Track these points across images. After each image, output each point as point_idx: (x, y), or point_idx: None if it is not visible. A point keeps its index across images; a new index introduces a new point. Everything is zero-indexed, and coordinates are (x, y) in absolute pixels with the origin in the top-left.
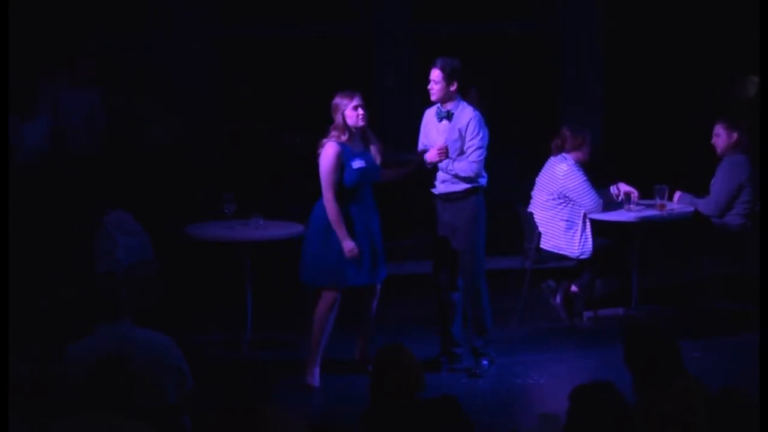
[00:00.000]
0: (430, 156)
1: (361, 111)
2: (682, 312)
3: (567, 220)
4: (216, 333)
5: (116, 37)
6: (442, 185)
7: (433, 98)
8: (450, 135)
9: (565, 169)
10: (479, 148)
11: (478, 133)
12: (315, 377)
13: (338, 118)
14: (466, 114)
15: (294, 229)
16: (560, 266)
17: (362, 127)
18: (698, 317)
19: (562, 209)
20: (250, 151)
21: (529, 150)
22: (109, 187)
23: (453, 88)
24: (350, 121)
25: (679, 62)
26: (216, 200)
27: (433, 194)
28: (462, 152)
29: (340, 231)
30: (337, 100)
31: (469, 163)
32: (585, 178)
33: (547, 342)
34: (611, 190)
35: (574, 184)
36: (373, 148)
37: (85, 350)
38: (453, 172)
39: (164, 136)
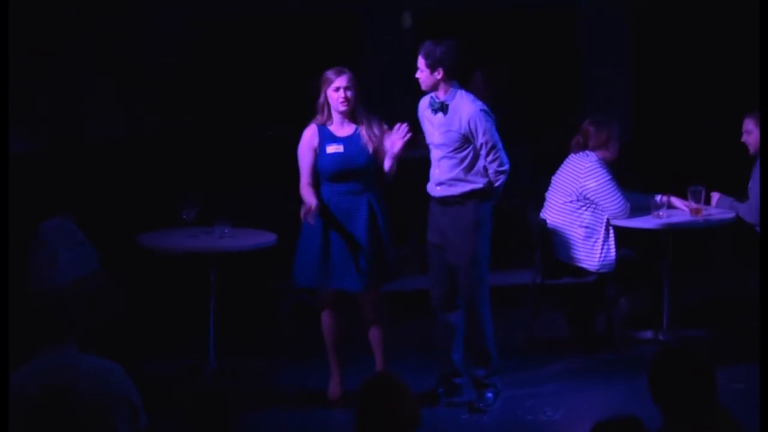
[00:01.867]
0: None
1: (342, 93)
2: (721, 335)
3: (587, 227)
4: (174, 359)
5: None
6: (438, 188)
7: (422, 87)
8: (447, 130)
9: (588, 165)
10: (493, 146)
11: (485, 131)
12: (331, 389)
13: (321, 96)
14: (464, 109)
15: (266, 238)
16: (577, 282)
17: (344, 112)
18: (740, 341)
19: (582, 213)
20: (216, 146)
21: (545, 146)
22: (49, 189)
23: (439, 75)
24: (332, 103)
25: (717, 45)
26: (175, 203)
27: (430, 197)
28: (459, 148)
29: (306, 196)
30: (322, 77)
31: (494, 169)
32: (610, 177)
33: (562, 371)
34: (657, 199)
35: (596, 183)
36: (365, 133)
37: (23, 382)
38: (496, 186)
39: (117, 128)
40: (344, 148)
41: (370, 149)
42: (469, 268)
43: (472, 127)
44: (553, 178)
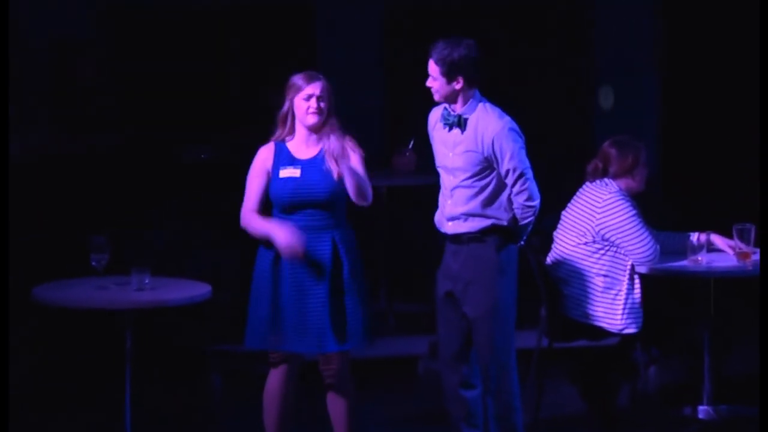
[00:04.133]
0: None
1: (314, 103)
2: None
3: (606, 275)
4: None
5: None
6: (450, 223)
7: (435, 98)
8: (464, 150)
9: (607, 197)
10: (521, 174)
11: (512, 154)
12: None
13: (284, 105)
14: (488, 125)
15: (197, 289)
16: (594, 345)
17: (314, 126)
18: None
19: (600, 258)
20: (135, 172)
21: (553, 172)
22: None
23: (458, 85)
24: (298, 115)
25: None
26: (81, 245)
27: (439, 233)
28: (479, 175)
29: (260, 228)
30: (289, 82)
31: (521, 203)
32: (635, 212)
33: None
34: (692, 239)
35: (619, 220)
36: (331, 154)
37: None
38: (523, 224)
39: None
40: (301, 173)
41: (335, 175)
42: (491, 323)
43: (497, 148)
44: (563, 213)
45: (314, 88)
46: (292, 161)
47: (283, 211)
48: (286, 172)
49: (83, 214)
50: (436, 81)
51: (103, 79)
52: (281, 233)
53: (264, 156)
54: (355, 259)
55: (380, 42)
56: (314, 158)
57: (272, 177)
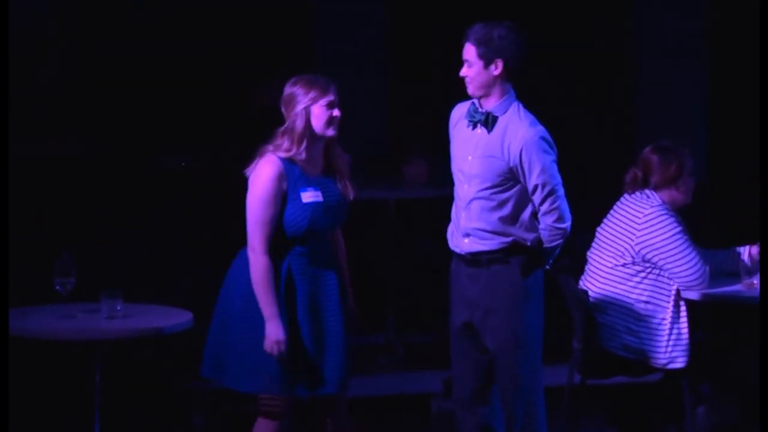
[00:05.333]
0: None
1: (338, 113)
2: None
3: (648, 302)
4: None
5: None
6: (465, 240)
7: (469, 91)
8: (487, 155)
9: (649, 212)
10: (551, 191)
11: (543, 168)
12: None
13: (296, 119)
14: (517, 130)
15: (176, 317)
16: (634, 382)
17: (330, 138)
18: None
19: (641, 283)
20: (105, 182)
21: (586, 182)
22: None
23: (497, 70)
24: (317, 126)
25: None
26: (43, 267)
27: (453, 253)
28: (501, 186)
29: (267, 304)
30: (298, 88)
31: (549, 224)
32: (680, 229)
33: None
34: (741, 254)
35: (661, 238)
36: (341, 174)
37: None
38: (550, 246)
39: None
40: (323, 195)
41: (350, 195)
42: (516, 357)
43: (525, 159)
44: (598, 230)
45: (335, 95)
46: (309, 182)
47: (296, 241)
48: (308, 196)
49: (45, 230)
50: (472, 67)
51: (66, 77)
52: (276, 324)
53: (277, 176)
54: (348, 289)
55: (385, 29)
56: (326, 177)
57: (290, 201)
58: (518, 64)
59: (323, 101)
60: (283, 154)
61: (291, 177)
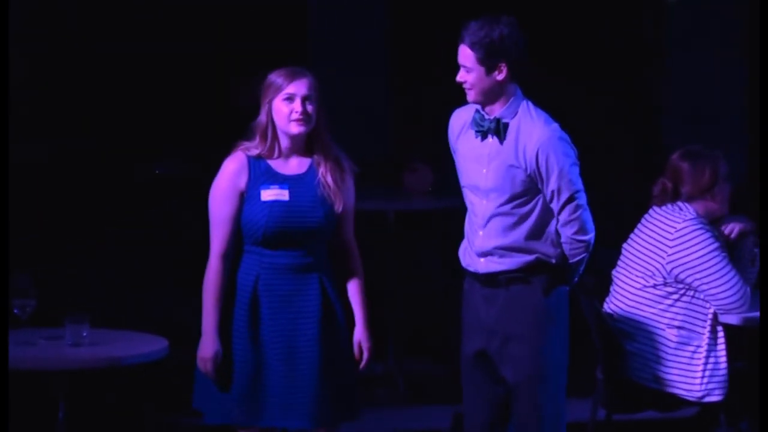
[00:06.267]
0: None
1: (297, 105)
2: None
3: (681, 327)
4: None
5: None
6: (482, 260)
7: (470, 98)
8: (503, 166)
9: (681, 227)
10: (571, 197)
11: (561, 171)
12: None
13: (261, 113)
14: (532, 132)
15: (150, 345)
16: (666, 417)
17: (298, 136)
18: None
19: (673, 306)
20: (69, 193)
21: (610, 192)
22: None
23: (500, 75)
24: (279, 121)
25: None
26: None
27: (466, 271)
28: (521, 198)
29: (205, 315)
30: (266, 81)
31: (569, 236)
32: (717, 245)
33: None
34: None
35: (696, 255)
36: (325, 172)
37: None
38: (573, 262)
39: None
40: (290, 195)
41: (336, 202)
42: (538, 389)
43: (542, 161)
44: (624, 246)
45: (298, 87)
46: (276, 179)
47: (263, 245)
48: (270, 194)
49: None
50: (470, 73)
51: (27, 76)
52: (209, 340)
53: (234, 171)
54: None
55: (385, 29)
56: (303, 175)
57: (248, 200)
58: (522, 61)
59: (282, 94)
60: (251, 151)
61: (253, 173)
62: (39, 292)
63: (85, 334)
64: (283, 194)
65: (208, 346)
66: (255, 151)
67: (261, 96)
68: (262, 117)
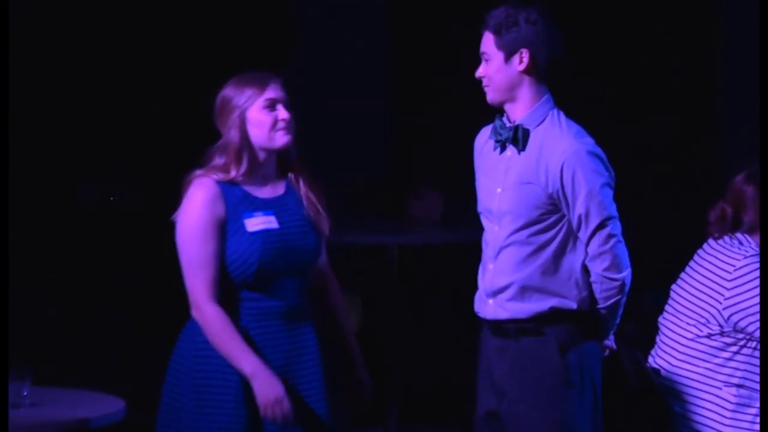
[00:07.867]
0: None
1: (283, 113)
2: None
3: (741, 385)
4: None
5: None
6: (490, 302)
7: (488, 98)
8: (521, 182)
9: (741, 266)
10: (602, 224)
11: (590, 192)
12: None
13: (230, 131)
14: (557, 144)
15: (104, 406)
16: None
17: (284, 148)
18: None
19: (731, 360)
20: (17, 221)
21: (654, 221)
22: None
23: (521, 65)
24: (260, 136)
25: None
26: None
27: (477, 317)
28: (542, 223)
29: (242, 359)
30: (229, 90)
31: (599, 273)
32: None
33: None
34: None
35: (758, 301)
36: (306, 192)
37: None
38: (605, 306)
39: None
40: (279, 222)
41: (322, 223)
42: None
43: (568, 180)
44: (672, 288)
45: (276, 91)
46: (256, 205)
47: (249, 287)
48: (256, 223)
49: None
50: (490, 62)
51: None
52: (268, 379)
53: (208, 200)
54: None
55: (386, 40)
56: (283, 197)
57: (232, 233)
58: (552, 57)
59: (259, 102)
60: (219, 177)
61: (231, 200)
62: None
63: (26, 392)
64: (271, 221)
65: (272, 386)
66: (223, 177)
67: (220, 114)
68: (233, 135)
